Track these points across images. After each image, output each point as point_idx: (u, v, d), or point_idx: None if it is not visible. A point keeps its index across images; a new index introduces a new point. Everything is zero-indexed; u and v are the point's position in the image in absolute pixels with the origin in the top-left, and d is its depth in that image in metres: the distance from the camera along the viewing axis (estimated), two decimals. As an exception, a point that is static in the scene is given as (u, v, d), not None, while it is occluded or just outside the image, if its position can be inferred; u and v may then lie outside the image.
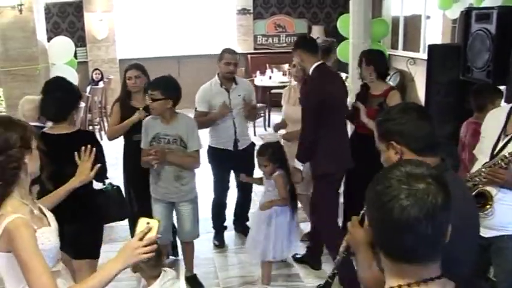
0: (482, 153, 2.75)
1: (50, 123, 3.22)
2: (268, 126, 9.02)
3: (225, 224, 4.86)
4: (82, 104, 6.88)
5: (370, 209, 1.29)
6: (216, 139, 4.51)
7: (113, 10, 10.32)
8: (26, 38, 6.23)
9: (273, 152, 3.72)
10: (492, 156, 2.65)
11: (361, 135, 4.00)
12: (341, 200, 4.32)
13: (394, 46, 9.75)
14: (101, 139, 7.05)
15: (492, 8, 4.23)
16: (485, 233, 2.55)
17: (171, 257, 4.34)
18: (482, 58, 4.21)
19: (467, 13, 4.52)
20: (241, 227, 4.87)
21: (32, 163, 1.96)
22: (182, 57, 10.60)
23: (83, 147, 2.54)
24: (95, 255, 3.21)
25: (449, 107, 5.01)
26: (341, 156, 3.77)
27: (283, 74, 9.77)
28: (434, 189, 1.20)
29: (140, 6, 10.67)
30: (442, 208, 1.19)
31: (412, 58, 8.81)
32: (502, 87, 3.86)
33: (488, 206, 2.61)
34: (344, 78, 6.40)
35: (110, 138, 4.19)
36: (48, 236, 1.95)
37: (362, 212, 1.66)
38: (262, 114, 8.51)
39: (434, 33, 8.42)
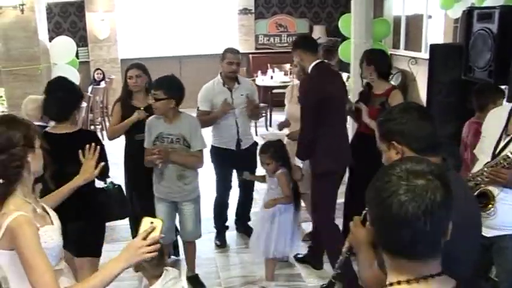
0: (484, 153, 2.75)
1: (52, 123, 3.23)
2: (270, 126, 9.03)
3: (227, 223, 4.87)
4: (84, 104, 6.90)
5: (370, 205, 1.29)
6: (219, 139, 4.51)
7: (115, 10, 10.33)
8: (27, 38, 6.22)
9: (275, 150, 3.75)
10: (494, 156, 2.65)
11: (363, 135, 4.01)
12: (342, 200, 4.32)
13: (396, 46, 9.75)
14: (103, 139, 7.05)
15: (494, 7, 4.22)
16: (487, 232, 2.54)
17: (172, 256, 4.35)
18: (484, 58, 4.20)
19: (469, 13, 4.51)
20: (243, 227, 4.87)
21: (35, 162, 1.96)
22: (184, 57, 10.61)
23: (87, 145, 2.55)
24: (97, 253, 3.24)
25: (451, 107, 4.99)
26: (341, 155, 3.77)
27: (284, 74, 9.77)
28: (433, 186, 1.20)
29: (142, 6, 10.68)
30: (441, 205, 1.19)
31: (414, 58, 8.80)
32: (504, 87, 3.86)
33: (490, 206, 2.61)
34: (346, 78, 6.41)
35: (110, 138, 4.20)
36: (51, 234, 1.96)
37: (364, 212, 1.66)
38: (263, 114, 8.54)
39: (436, 32, 8.41)
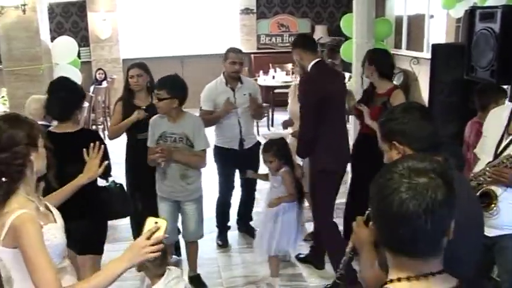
0: (485, 153, 2.75)
1: (55, 122, 3.25)
2: (272, 125, 9.04)
3: (229, 223, 4.86)
4: (86, 104, 6.89)
5: (372, 202, 1.30)
6: (222, 138, 4.51)
7: (116, 10, 10.34)
8: (29, 38, 6.22)
9: (278, 148, 3.75)
10: (496, 156, 2.64)
11: (365, 135, 4.00)
12: (342, 200, 4.31)
13: (398, 46, 9.73)
14: (104, 138, 7.05)
15: (496, 7, 4.21)
16: (489, 232, 2.54)
17: (174, 256, 4.35)
18: (486, 57, 4.19)
19: (471, 12, 4.50)
20: (245, 227, 4.87)
21: (39, 161, 1.96)
22: (185, 57, 10.60)
23: (92, 144, 2.56)
24: (99, 251, 3.26)
25: (453, 107, 4.99)
26: (341, 154, 3.77)
27: (286, 74, 9.76)
28: (435, 184, 1.20)
29: (143, 6, 10.69)
30: (442, 203, 1.19)
31: (416, 58, 8.79)
32: (506, 87, 3.85)
33: (492, 206, 2.61)
34: (348, 77, 6.40)
35: (111, 137, 4.21)
36: (55, 232, 1.96)
37: (367, 212, 1.66)
38: (265, 114, 8.53)
39: (438, 32, 8.41)
